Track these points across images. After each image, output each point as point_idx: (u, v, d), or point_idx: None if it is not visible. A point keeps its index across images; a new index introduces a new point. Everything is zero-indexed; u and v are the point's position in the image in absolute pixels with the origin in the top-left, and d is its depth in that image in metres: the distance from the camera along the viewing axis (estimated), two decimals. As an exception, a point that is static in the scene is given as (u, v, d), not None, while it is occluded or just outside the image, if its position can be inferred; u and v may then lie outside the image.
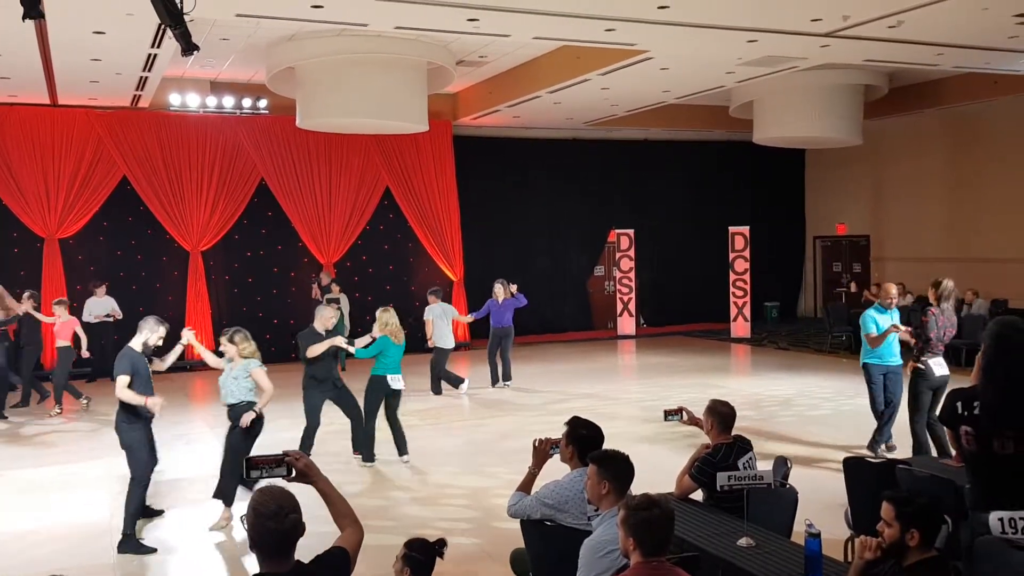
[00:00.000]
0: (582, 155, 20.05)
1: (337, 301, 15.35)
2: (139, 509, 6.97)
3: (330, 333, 9.11)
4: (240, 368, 7.35)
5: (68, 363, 12.38)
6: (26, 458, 9.93)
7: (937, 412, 8.29)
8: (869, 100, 16.75)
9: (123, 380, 6.77)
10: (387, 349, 9.16)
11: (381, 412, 9.24)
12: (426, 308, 13.04)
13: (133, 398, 6.76)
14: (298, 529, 2.98)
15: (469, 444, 10.16)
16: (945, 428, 4.38)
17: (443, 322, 12.89)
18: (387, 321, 9.24)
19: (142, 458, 6.92)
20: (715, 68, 13.48)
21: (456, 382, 13.20)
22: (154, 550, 6.74)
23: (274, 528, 2.93)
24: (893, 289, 9.00)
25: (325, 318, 9.13)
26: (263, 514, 2.95)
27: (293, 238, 17.28)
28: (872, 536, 3.70)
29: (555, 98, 15.53)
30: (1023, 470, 4.12)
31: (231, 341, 7.40)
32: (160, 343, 7.10)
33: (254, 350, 7.46)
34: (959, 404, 4.23)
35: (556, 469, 4.84)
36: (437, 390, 13.12)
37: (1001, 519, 4.00)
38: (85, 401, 12.47)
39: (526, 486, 4.87)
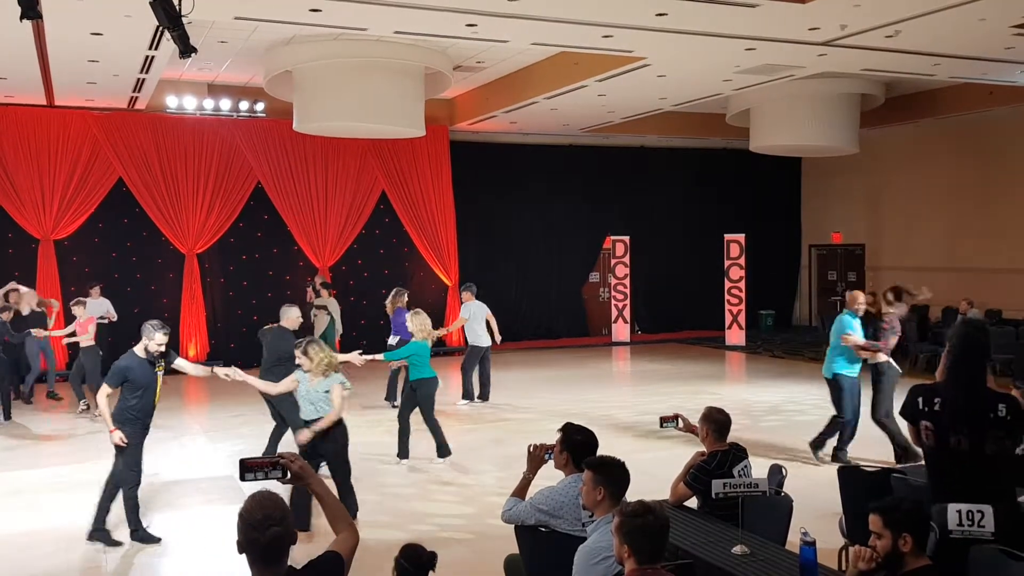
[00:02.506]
0: (578, 161, 20.06)
1: (325, 307, 15.27)
2: (108, 505, 6.96)
3: (323, 337, 9.17)
4: (329, 382, 7.06)
5: (96, 362, 12.04)
6: (17, 459, 9.89)
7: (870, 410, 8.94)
8: (866, 109, 16.79)
9: (104, 390, 6.81)
10: (421, 351, 9.37)
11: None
12: (462, 307, 12.80)
13: (105, 414, 6.76)
14: (282, 540, 2.94)
15: (463, 448, 10.13)
16: (906, 423, 4.43)
17: (478, 320, 12.57)
18: (422, 325, 9.47)
19: (129, 459, 6.83)
20: (712, 76, 13.50)
21: (469, 394, 12.74)
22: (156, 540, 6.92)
23: (256, 538, 2.90)
24: (861, 296, 9.19)
25: (292, 319, 9.28)
26: (248, 523, 2.92)
27: (289, 242, 17.27)
28: (866, 547, 3.69)
29: (552, 104, 15.54)
30: (976, 466, 4.21)
31: (305, 353, 7.09)
32: (161, 349, 6.83)
33: (331, 361, 7.12)
34: (920, 400, 4.31)
35: (551, 475, 4.82)
36: (483, 395, 12.76)
37: (959, 511, 4.10)
38: (85, 406, 12.27)
39: (521, 492, 4.86)
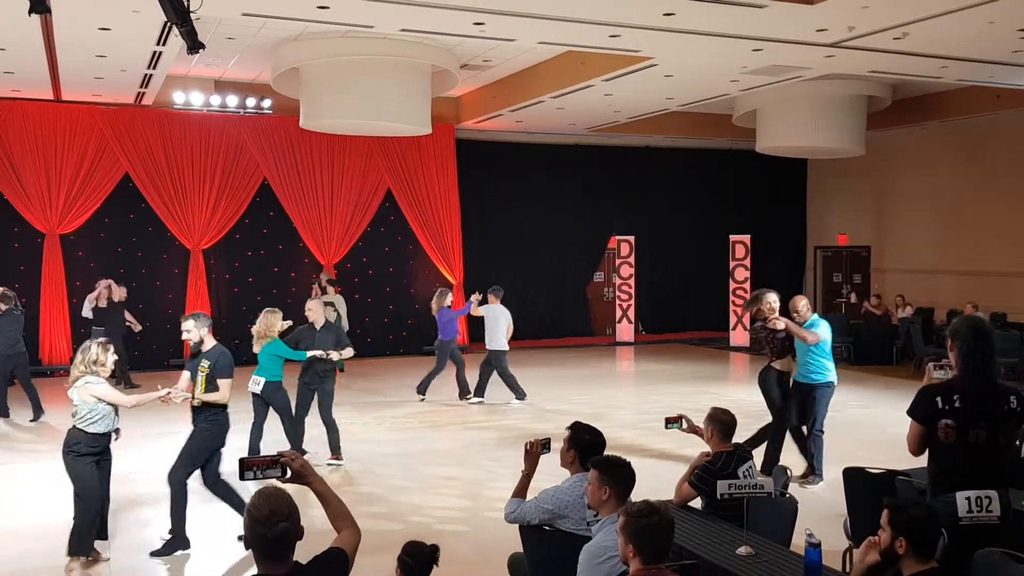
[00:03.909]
0: (584, 161, 20.05)
1: (332, 304, 15.32)
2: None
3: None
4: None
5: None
6: (18, 453, 9.91)
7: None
8: (872, 111, 16.76)
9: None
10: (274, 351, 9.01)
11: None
12: (485, 306, 12.73)
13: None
14: (290, 535, 2.95)
15: (465, 444, 10.18)
16: (912, 422, 4.41)
17: (496, 323, 12.47)
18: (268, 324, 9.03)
19: None
20: (719, 76, 13.48)
21: (472, 390, 12.70)
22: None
23: (263, 534, 2.91)
24: (801, 303, 8.58)
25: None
26: (256, 519, 2.93)
27: (294, 238, 17.28)
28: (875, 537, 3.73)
29: (558, 103, 15.53)
30: (987, 459, 4.29)
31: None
32: (184, 336, 6.79)
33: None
34: (939, 399, 4.32)
35: (556, 473, 4.81)
36: (477, 393, 12.69)
37: (968, 499, 4.19)
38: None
39: (521, 491, 4.85)
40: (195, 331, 6.73)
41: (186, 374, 6.86)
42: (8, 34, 10.92)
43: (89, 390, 6.14)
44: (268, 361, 8.87)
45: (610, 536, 3.89)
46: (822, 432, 8.47)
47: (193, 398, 6.72)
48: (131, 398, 6.52)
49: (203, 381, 6.63)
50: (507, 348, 12.54)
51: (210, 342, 6.77)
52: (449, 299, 12.81)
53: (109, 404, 6.26)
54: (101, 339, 6.49)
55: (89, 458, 6.23)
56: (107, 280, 14.01)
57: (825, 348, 8.38)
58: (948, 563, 3.90)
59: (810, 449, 8.51)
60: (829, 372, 8.41)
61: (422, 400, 12.71)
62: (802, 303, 8.60)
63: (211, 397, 6.65)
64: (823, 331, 8.34)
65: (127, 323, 14.09)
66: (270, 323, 8.89)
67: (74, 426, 6.21)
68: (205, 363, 6.65)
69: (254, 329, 8.96)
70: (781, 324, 8.42)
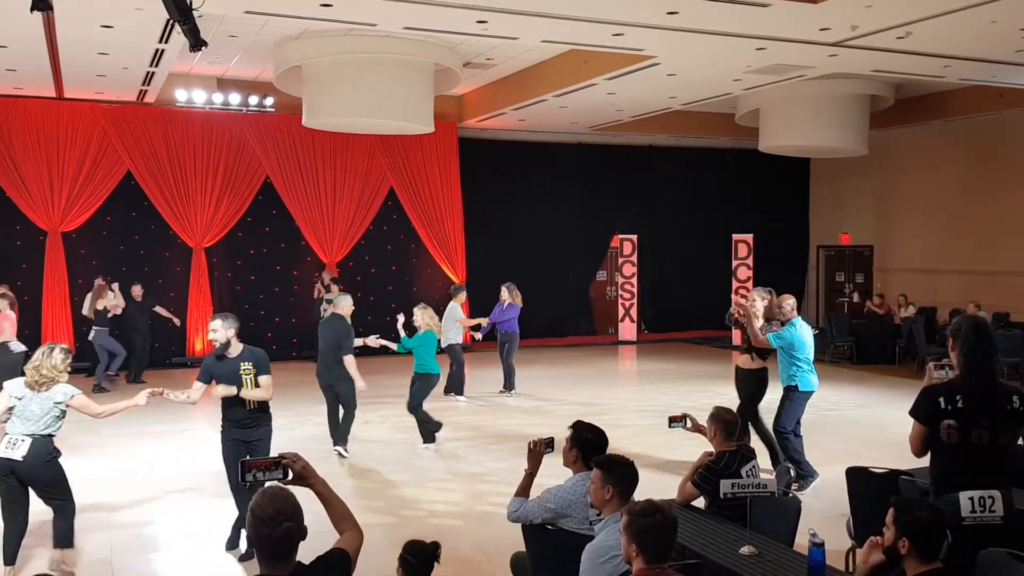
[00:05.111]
0: (587, 159, 20.03)
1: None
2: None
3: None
4: (62, 390, 5.97)
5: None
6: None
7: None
8: (875, 110, 16.74)
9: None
10: (433, 343, 9.94)
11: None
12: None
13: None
14: (294, 535, 2.95)
15: (466, 443, 10.17)
16: (914, 423, 4.39)
17: (448, 320, 12.77)
18: (433, 316, 10.13)
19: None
20: (722, 75, 13.46)
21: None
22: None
23: (267, 534, 2.91)
24: (787, 302, 8.52)
25: (345, 307, 9.75)
26: (260, 518, 2.92)
27: (296, 237, 17.28)
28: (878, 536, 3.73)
29: (561, 102, 15.52)
30: (989, 458, 4.29)
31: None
32: (213, 339, 6.58)
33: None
34: (942, 399, 4.30)
35: (559, 473, 4.81)
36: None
37: (971, 498, 4.19)
38: None
39: (524, 490, 4.83)
40: (222, 331, 6.50)
41: (200, 384, 6.65)
42: (10, 31, 10.92)
43: (76, 402, 5.97)
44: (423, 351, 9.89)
45: (613, 535, 3.89)
46: (784, 432, 8.15)
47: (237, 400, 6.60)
48: (104, 409, 6.28)
49: (252, 382, 6.53)
50: (456, 341, 12.82)
51: (237, 344, 6.58)
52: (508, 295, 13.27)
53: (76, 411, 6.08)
54: (64, 344, 6.26)
55: None
56: (101, 280, 14.04)
57: (799, 352, 8.20)
58: (952, 563, 3.88)
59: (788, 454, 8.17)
60: (796, 378, 8.19)
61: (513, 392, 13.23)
62: (788, 302, 8.51)
63: (258, 395, 6.57)
64: (789, 334, 8.22)
65: (167, 317, 14.84)
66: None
67: (47, 435, 5.89)
68: (247, 364, 6.53)
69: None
70: (742, 311, 8.56)
